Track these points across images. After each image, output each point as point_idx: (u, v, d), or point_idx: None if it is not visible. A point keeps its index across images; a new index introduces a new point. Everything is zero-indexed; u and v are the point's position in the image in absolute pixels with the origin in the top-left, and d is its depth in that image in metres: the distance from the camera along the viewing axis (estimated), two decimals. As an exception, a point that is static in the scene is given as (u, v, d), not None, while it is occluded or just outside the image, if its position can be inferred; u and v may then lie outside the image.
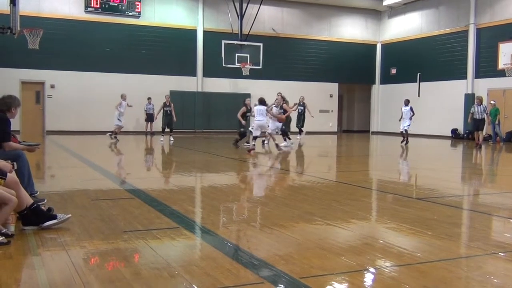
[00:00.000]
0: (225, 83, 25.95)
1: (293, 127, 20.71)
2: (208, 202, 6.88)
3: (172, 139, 19.52)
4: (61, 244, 4.34)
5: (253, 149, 14.25)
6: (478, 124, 17.94)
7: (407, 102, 19.58)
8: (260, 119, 14.70)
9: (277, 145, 15.41)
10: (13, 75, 22.11)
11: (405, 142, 19.26)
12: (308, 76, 27.75)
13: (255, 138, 14.74)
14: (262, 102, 15.01)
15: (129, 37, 24.25)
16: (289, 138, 17.12)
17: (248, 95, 24.35)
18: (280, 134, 16.93)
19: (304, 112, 21.19)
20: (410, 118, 19.35)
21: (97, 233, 4.73)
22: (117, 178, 9.27)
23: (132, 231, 4.79)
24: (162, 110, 20.00)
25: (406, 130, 19.26)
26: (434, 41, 25.74)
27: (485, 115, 18.00)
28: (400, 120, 19.81)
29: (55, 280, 3.46)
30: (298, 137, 20.81)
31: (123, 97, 20.58)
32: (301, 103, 21.32)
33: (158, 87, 23.95)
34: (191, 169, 10.93)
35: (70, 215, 5.01)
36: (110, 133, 19.94)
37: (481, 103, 17.97)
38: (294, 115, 20.91)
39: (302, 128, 21.36)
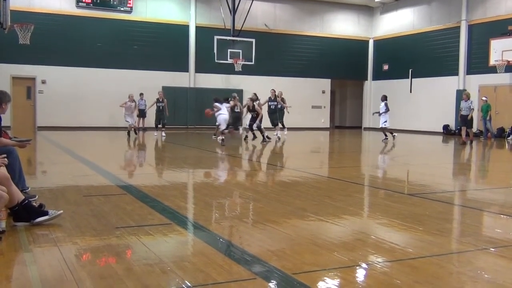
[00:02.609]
0: (217, 79, 25.89)
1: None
2: (200, 198, 6.87)
3: (164, 134, 19.50)
4: (52, 240, 4.32)
5: (223, 139, 15.65)
6: (464, 120, 17.65)
7: (383, 98, 19.01)
8: (225, 112, 16.16)
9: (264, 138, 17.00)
10: (3, 70, 21.93)
11: (384, 138, 18.92)
12: (301, 72, 27.74)
13: (223, 130, 16.06)
14: (218, 100, 16.65)
15: (121, 32, 24.11)
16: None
17: (241, 91, 24.37)
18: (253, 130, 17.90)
19: (282, 108, 20.98)
20: (380, 114, 18.91)
21: (89, 229, 4.72)
22: (109, 174, 9.23)
23: (124, 227, 4.77)
24: (155, 106, 20.04)
25: (383, 127, 19.06)
26: (426, 37, 25.81)
27: (470, 111, 17.45)
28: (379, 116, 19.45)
29: (47, 277, 3.45)
30: (276, 133, 20.99)
31: (130, 97, 19.96)
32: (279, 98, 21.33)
33: (150, 83, 23.86)
34: (184, 165, 10.91)
35: (61, 211, 4.99)
36: (129, 133, 19.35)
37: (468, 98, 17.59)
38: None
39: (279, 124, 21.38)
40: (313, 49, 28.15)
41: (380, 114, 18.91)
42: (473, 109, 17.70)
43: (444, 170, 11.20)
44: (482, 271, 3.75)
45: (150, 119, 21.10)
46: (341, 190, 7.53)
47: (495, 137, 21.47)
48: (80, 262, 3.80)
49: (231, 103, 17.47)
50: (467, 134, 17.80)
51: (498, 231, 5.17)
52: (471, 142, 17.64)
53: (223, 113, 16.11)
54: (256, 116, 17.61)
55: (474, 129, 23.06)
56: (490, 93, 22.22)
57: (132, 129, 19.65)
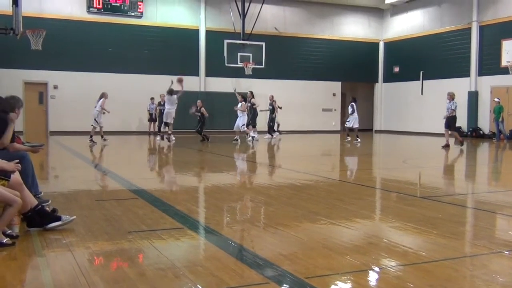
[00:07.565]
0: (228, 83, 25.91)
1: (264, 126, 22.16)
2: (212, 202, 6.88)
3: (173, 138, 18.90)
4: (65, 245, 4.35)
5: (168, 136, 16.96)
6: (448, 122, 16.76)
7: (351, 100, 20.30)
8: (169, 107, 16.98)
9: (253, 138, 18.31)
10: (16, 76, 22.10)
11: (347, 138, 20.09)
12: (311, 75, 27.70)
13: (166, 124, 17.04)
14: (171, 92, 17.46)
15: (132, 37, 24.23)
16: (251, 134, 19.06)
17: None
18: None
19: (274, 111, 21.48)
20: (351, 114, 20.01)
21: (101, 233, 4.74)
22: (121, 179, 9.27)
23: (136, 232, 4.79)
24: (157, 109, 20.38)
25: (346, 127, 20.32)
26: (437, 39, 25.66)
27: (450, 111, 16.58)
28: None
29: (60, 281, 3.46)
30: (266, 136, 21.11)
31: (104, 95, 18.32)
32: (270, 102, 21.57)
33: (160, 87, 23.91)
34: (195, 169, 10.93)
35: (74, 217, 5.00)
36: (91, 139, 17.76)
37: (452, 99, 16.72)
38: (265, 114, 22.37)
39: (273, 127, 21.93)
40: (323, 52, 28.10)
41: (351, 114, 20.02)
42: (453, 109, 16.76)
43: (456, 172, 11.12)
44: (496, 274, 3.71)
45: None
46: (352, 193, 7.49)
47: (507, 139, 21.28)
48: (93, 266, 3.82)
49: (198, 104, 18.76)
50: (451, 135, 16.98)
51: (513, 234, 5.12)
52: (448, 146, 16.55)
53: (166, 107, 17.05)
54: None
55: (486, 131, 22.95)
56: (502, 94, 22.04)
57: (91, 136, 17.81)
